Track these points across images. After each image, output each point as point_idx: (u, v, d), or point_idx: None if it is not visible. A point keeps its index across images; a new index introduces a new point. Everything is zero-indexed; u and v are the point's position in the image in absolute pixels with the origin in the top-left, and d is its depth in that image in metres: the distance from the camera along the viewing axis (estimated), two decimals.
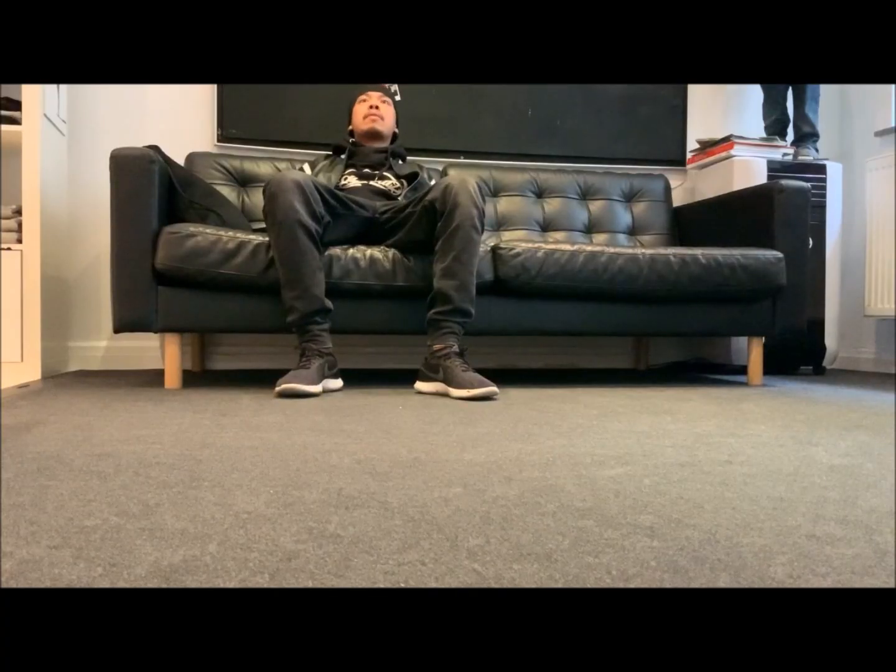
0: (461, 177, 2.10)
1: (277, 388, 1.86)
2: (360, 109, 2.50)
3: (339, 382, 2.08)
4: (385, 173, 2.42)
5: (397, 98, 2.85)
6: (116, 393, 1.97)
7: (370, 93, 2.51)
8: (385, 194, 2.36)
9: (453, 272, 2.02)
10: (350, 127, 2.57)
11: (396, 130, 2.59)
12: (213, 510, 0.82)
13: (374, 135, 2.47)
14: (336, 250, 2.11)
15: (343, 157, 2.48)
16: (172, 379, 2.10)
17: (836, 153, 3.44)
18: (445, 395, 1.95)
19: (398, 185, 2.41)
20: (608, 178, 3.06)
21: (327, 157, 2.54)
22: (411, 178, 2.44)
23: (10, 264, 2.37)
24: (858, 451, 1.24)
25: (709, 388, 2.32)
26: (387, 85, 2.79)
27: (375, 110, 2.47)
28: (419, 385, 2.07)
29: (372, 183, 2.37)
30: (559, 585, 0.61)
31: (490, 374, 2.63)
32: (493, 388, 1.89)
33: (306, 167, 2.51)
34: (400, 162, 2.53)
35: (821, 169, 2.97)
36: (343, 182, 2.38)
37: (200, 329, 2.13)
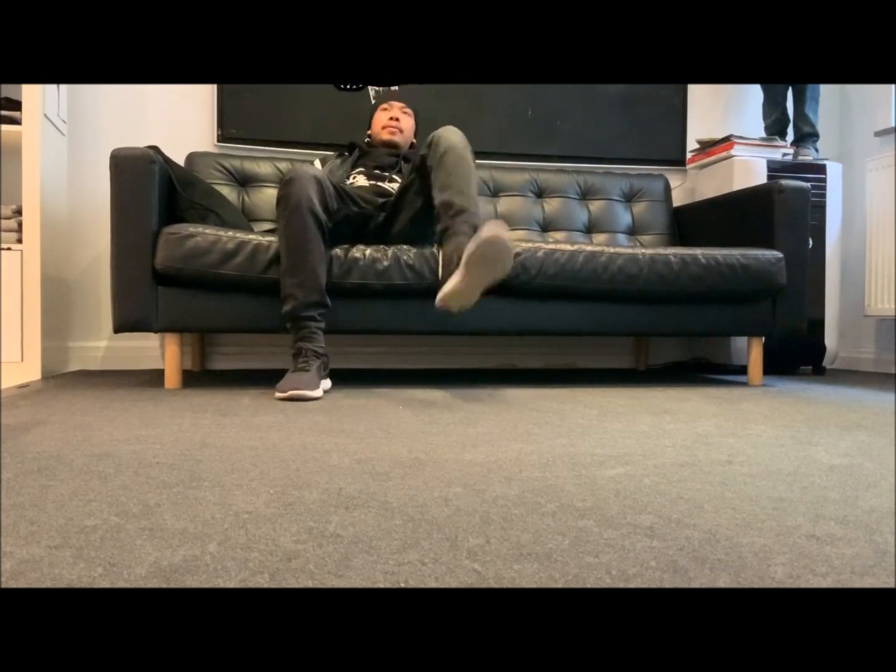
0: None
1: (282, 394, 1.83)
2: (380, 118, 2.53)
3: (328, 383, 2.07)
4: (394, 176, 2.42)
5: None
6: (116, 393, 1.97)
7: (392, 102, 2.54)
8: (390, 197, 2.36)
9: (449, 184, 1.96)
10: (368, 131, 2.60)
11: (414, 141, 2.60)
12: (213, 510, 0.82)
13: (391, 146, 2.50)
14: (336, 250, 2.11)
15: (352, 155, 2.49)
16: (172, 379, 2.10)
17: (836, 153, 3.44)
18: (462, 281, 1.76)
19: None
20: (608, 178, 3.06)
21: (339, 155, 2.55)
22: None
23: (10, 264, 2.36)
24: (858, 451, 1.24)
25: (709, 388, 2.31)
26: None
27: (396, 122, 2.49)
28: (441, 292, 1.84)
29: (380, 184, 2.37)
30: (559, 585, 0.61)
31: (490, 374, 2.64)
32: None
33: (317, 163, 2.53)
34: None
35: (821, 169, 2.97)
36: (350, 181, 2.39)
37: (200, 329, 2.13)
